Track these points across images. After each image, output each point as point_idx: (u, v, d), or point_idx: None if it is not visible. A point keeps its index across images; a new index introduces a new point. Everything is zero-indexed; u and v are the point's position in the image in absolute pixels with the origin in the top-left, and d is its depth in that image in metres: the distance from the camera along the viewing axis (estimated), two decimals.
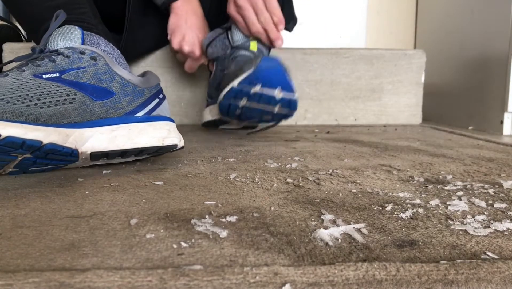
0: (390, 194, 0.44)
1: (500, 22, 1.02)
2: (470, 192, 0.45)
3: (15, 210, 0.37)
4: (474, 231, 0.33)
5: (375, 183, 0.48)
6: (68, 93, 0.50)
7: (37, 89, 0.48)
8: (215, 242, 0.30)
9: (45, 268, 0.26)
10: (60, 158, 0.49)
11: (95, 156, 0.51)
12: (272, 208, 0.39)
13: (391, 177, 0.51)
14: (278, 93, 0.66)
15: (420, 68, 1.19)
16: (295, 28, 0.99)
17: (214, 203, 0.40)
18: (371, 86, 1.18)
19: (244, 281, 0.25)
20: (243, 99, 0.67)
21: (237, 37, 0.79)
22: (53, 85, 0.49)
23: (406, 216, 0.37)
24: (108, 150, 0.51)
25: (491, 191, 0.45)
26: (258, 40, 0.79)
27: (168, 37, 0.86)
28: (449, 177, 0.52)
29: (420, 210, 0.38)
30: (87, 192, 0.43)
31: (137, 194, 0.43)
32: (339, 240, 0.31)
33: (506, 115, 1.01)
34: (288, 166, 0.57)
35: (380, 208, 0.39)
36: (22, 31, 1.23)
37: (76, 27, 0.56)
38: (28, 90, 0.47)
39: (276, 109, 0.68)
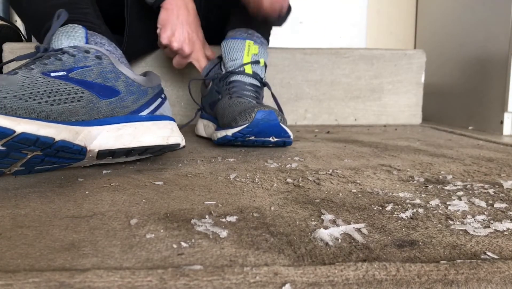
0: (390, 194, 0.44)
1: (500, 22, 1.02)
2: (470, 192, 0.45)
3: (15, 210, 0.37)
4: (474, 231, 0.33)
5: (375, 183, 0.48)
6: (76, 91, 0.50)
7: (47, 87, 0.48)
8: (215, 242, 0.30)
9: (45, 268, 0.26)
10: (68, 156, 0.49)
11: (102, 154, 0.51)
12: (272, 208, 0.39)
13: (391, 177, 0.51)
14: (272, 139, 0.69)
15: (420, 68, 1.19)
16: (295, 28, 0.99)
17: (214, 203, 0.40)
18: (371, 86, 1.18)
19: (244, 281, 0.25)
20: (238, 142, 0.70)
21: (229, 64, 0.79)
22: (61, 83, 0.49)
23: (406, 216, 0.37)
24: (115, 148, 0.52)
25: (491, 191, 0.45)
26: (252, 62, 0.78)
27: (158, 31, 0.85)
28: (449, 177, 0.52)
29: (420, 210, 0.38)
30: (87, 192, 0.43)
31: (137, 194, 0.43)
32: (339, 240, 0.31)
33: (506, 115, 1.01)
34: (288, 166, 0.57)
35: (380, 208, 0.39)
36: (22, 31, 1.23)
37: (80, 26, 0.56)
38: (39, 88, 0.47)
39: (272, 144, 0.72)
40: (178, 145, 0.57)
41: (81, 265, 0.26)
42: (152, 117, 0.56)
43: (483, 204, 0.40)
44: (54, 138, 0.45)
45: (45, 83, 0.48)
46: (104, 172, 0.52)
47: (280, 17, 0.78)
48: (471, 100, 1.14)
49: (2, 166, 0.47)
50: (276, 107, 0.83)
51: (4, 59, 1.05)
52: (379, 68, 1.18)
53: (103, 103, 0.52)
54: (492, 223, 0.35)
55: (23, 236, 0.31)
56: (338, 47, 1.21)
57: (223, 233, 0.32)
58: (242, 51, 0.77)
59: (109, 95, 0.53)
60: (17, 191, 0.44)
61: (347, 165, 0.59)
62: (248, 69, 0.77)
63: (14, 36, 1.15)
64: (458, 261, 0.27)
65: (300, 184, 0.48)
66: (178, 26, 0.82)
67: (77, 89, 0.50)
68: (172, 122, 0.58)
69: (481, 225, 0.35)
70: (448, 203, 0.41)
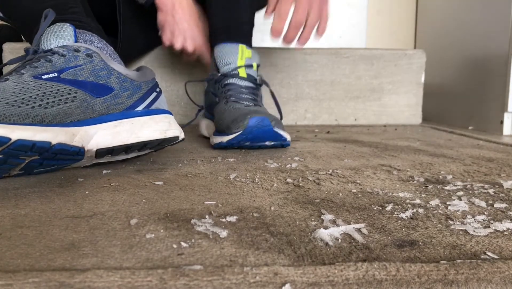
0: (390, 194, 0.44)
1: (500, 22, 1.02)
2: (470, 192, 0.45)
3: (15, 210, 0.37)
4: (474, 231, 0.33)
5: (375, 183, 0.48)
6: (69, 92, 0.50)
7: (39, 90, 0.48)
8: (215, 242, 0.30)
9: (45, 268, 0.26)
10: (67, 158, 0.49)
11: (100, 152, 0.51)
12: (272, 208, 0.39)
13: (391, 177, 0.51)
14: (268, 143, 0.70)
15: (420, 68, 1.19)
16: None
17: (214, 203, 0.40)
18: (371, 86, 1.18)
19: (244, 281, 0.25)
20: (234, 147, 0.70)
21: (224, 68, 0.78)
22: (53, 85, 0.49)
23: (406, 216, 0.37)
24: (113, 146, 0.52)
25: (491, 191, 0.45)
26: (246, 66, 0.77)
27: (159, 34, 0.85)
28: (449, 177, 0.52)
29: (420, 210, 0.38)
30: (87, 192, 0.43)
31: (137, 194, 0.43)
32: (339, 240, 0.31)
33: (506, 115, 1.01)
34: (288, 166, 0.57)
35: (380, 208, 0.39)
36: None
37: (68, 24, 0.55)
38: (31, 92, 0.47)
39: (270, 147, 0.72)
40: (177, 137, 0.57)
41: (81, 265, 0.26)
42: (148, 111, 0.56)
43: (483, 204, 0.40)
44: (50, 142, 0.45)
45: (37, 87, 0.48)
46: (104, 172, 0.52)
47: None
48: (471, 100, 1.14)
49: (1, 172, 0.47)
50: (275, 107, 0.84)
51: (4, 59, 1.05)
52: (379, 68, 1.18)
53: (97, 102, 0.52)
54: (492, 223, 0.35)
55: (23, 236, 0.31)
56: (338, 47, 1.21)
57: (223, 233, 0.32)
58: (236, 54, 0.77)
59: (103, 93, 0.53)
60: (17, 191, 0.44)
61: (347, 165, 0.59)
62: (242, 72, 0.77)
63: (14, 36, 1.15)
64: (458, 261, 0.27)
65: (300, 184, 0.48)
66: (176, 25, 0.82)
67: (70, 89, 0.50)
68: (169, 115, 0.58)
69: (481, 225, 0.35)
70: (448, 203, 0.41)
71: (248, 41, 0.82)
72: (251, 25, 0.85)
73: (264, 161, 0.61)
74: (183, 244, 0.30)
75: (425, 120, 1.26)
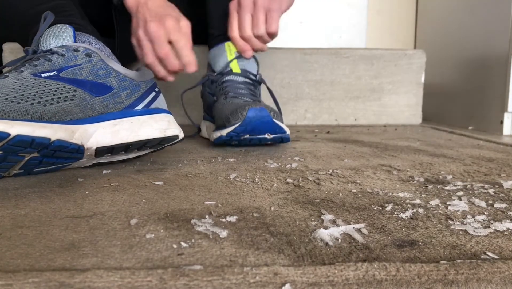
0: (390, 194, 0.44)
1: (500, 22, 1.02)
2: (470, 192, 0.45)
3: (15, 210, 0.37)
4: (474, 231, 0.33)
5: (375, 183, 0.48)
6: (68, 90, 0.50)
7: (38, 88, 0.48)
8: (215, 242, 0.30)
9: (45, 268, 0.26)
10: (66, 156, 0.49)
11: (100, 151, 0.51)
12: (272, 208, 0.39)
13: (391, 177, 0.51)
14: (268, 136, 0.69)
15: (420, 68, 1.19)
16: (295, 27, 0.98)
17: (214, 203, 0.40)
18: (371, 86, 1.18)
19: (244, 281, 0.25)
20: (234, 141, 0.70)
21: (217, 68, 0.79)
22: (52, 83, 0.49)
23: (406, 216, 0.37)
24: (113, 144, 0.52)
25: (491, 191, 0.45)
26: (238, 58, 0.78)
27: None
28: (449, 177, 0.52)
29: (420, 210, 0.38)
30: (87, 192, 0.43)
31: (137, 194, 0.43)
32: (339, 240, 0.31)
33: (506, 115, 1.01)
34: (288, 166, 0.57)
35: (380, 208, 0.39)
36: None
37: (67, 25, 0.56)
38: (30, 89, 0.47)
39: (270, 141, 0.72)
40: (177, 136, 0.57)
41: (81, 265, 0.26)
42: (147, 111, 0.56)
43: (483, 204, 0.40)
44: (50, 139, 0.45)
45: (36, 84, 0.48)
46: (104, 172, 0.52)
47: None
48: (471, 100, 1.14)
49: (0, 170, 0.47)
50: (274, 105, 0.84)
51: (4, 59, 1.05)
52: (379, 68, 1.18)
53: (96, 101, 0.52)
54: (492, 223, 0.35)
55: (23, 236, 0.31)
56: (338, 47, 1.21)
57: (223, 233, 0.32)
58: (224, 52, 0.78)
59: (102, 92, 0.53)
60: (17, 191, 0.44)
61: (347, 165, 0.59)
62: (235, 67, 0.77)
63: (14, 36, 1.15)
64: (458, 261, 0.27)
65: (300, 184, 0.48)
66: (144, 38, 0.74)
67: (69, 88, 0.50)
68: (168, 114, 0.58)
69: (481, 225, 0.35)
70: (448, 203, 0.41)
71: None
72: None
73: (264, 161, 0.61)
74: (183, 244, 0.30)
75: (425, 120, 1.26)
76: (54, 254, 0.28)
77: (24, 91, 0.46)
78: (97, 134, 0.51)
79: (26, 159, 0.46)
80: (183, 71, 0.73)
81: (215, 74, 0.79)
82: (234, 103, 0.70)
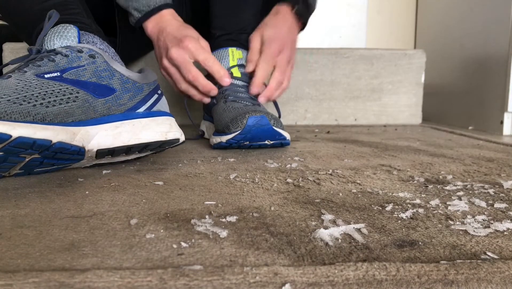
0: (390, 194, 0.44)
1: (500, 22, 1.02)
2: (470, 192, 0.45)
3: (15, 210, 0.37)
4: (474, 231, 0.33)
5: (375, 183, 0.48)
6: (71, 92, 0.50)
7: (41, 89, 0.48)
8: (215, 242, 0.30)
9: (45, 268, 0.26)
10: (67, 157, 0.49)
11: (101, 153, 0.51)
12: (272, 208, 0.39)
13: (391, 177, 0.51)
14: (268, 142, 0.70)
15: (420, 68, 1.19)
16: None
17: (214, 203, 0.40)
18: (371, 86, 1.18)
19: (244, 281, 0.25)
20: (233, 147, 0.70)
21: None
22: (55, 84, 0.49)
23: (406, 216, 0.37)
24: (114, 147, 0.52)
25: (491, 191, 0.45)
26: (239, 65, 0.78)
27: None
28: (449, 177, 0.52)
29: (420, 210, 0.38)
30: (87, 192, 0.43)
31: (137, 194, 0.43)
32: (339, 240, 0.31)
33: (506, 115, 1.01)
34: (288, 166, 0.57)
35: (380, 208, 0.39)
36: None
37: (72, 25, 0.55)
38: (33, 90, 0.47)
39: (269, 146, 0.72)
40: (178, 140, 0.57)
41: (81, 265, 0.26)
42: (149, 113, 0.56)
43: (483, 204, 0.40)
44: (51, 141, 0.45)
45: (39, 85, 0.48)
46: (104, 172, 0.52)
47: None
48: (471, 100, 1.14)
49: (1, 170, 0.47)
50: (273, 106, 0.84)
51: (4, 60, 1.05)
52: (379, 68, 1.18)
53: (99, 102, 0.52)
54: (492, 223, 0.35)
55: (23, 236, 0.31)
56: (338, 47, 1.21)
57: (223, 233, 0.32)
58: (227, 57, 0.78)
59: (105, 94, 0.53)
60: (17, 191, 0.44)
61: (347, 165, 0.59)
62: (236, 72, 0.77)
63: (14, 36, 1.15)
64: (458, 261, 0.27)
65: (300, 184, 0.48)
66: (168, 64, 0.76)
67: (72, 89, 0.50)
68: (170, 117, 0.58)
69: (481, 225, 0.35)
70: (448, 203, 0.41)
71: (243, 47, 0.82)
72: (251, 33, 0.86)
73: (264, 161, 0.61)
74: (183, 244, 0.30)
75: (425, 120, 1.26)
76: (54, 254, 0.28)
77: (27, 92, 0.46)
78: (99, 137, 0.51)
79: (27, 159, 0.46)
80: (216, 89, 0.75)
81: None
82: (234, 108, 0.70)
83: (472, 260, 0.28)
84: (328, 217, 0.36)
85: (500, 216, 0.37)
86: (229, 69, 0.77)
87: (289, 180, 0.49)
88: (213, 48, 0.81)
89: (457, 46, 1.21)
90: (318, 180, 0.50)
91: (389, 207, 0.39)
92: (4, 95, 0.45)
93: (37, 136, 0.44)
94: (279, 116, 0.79)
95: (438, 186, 0.47)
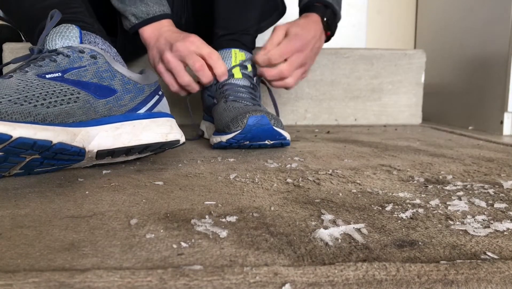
0: (390, 194, 0.44)
1: (500, 22, 1.02)
2: (470, 192, 0.45)
3: (15, 210, 0.37)
4: (474, 231, 0.33)
5: (375, 183, 0.48)
6: (72, 92, 0.50)
7: (42, 89, 0.48)
8: (215, 242, 0.30)
9: (45, 268, 0.26)
10: (67, 158, 0.49)
11: (101, 154, 0.51)
12: (272, 208, 0.39)
13: (391, 177, 0.51)
14: (268, 142, 0.70)
15: (420, 68, 1.19)
16: None
17: (214, 203, 0.40)
18: (371, 86, 1.18)
19: (244, 281, 0.25)
20: (233, 147, 0.70)
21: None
22: (56, 85, 0.49)
23: (406, 216, 0.37)
24: (114, 148, 0.52)
25: (491, 191, 0.45)
26: (241, 66, 0.78)
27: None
28: (449, 177, 0.52)
29: (420, 210, 0.38)
30: (87, 192, 0.43)
31: (137, 194, 0.43)
32: (339, 240, 0.31)
33: (506, 115, 1.01)
34: (288, 166, 0.57)
35: (380, 208, 0.39)
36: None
37: (74, 25, 0.55)
38: (34, 91, 0.47)
39: (269, 146, 0.72)
40: (178, 141, 0.57)
41: (81, 265, 0.26)
42: (150, 114, 0.56)
43: (483, 204, 0.40)
44: (51, 142, 0.45)
45: (41, 86, 0.48)
46: (104, 172, 0.52)
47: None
48: (471, 100, 1.14)
49: (1, 170, 0.47)
50: (273, 106, 0.84)
51: (4, 60, 1.05)
52: (379, 68, 1.18)
53: (100, 103, 0.52)
54: (492, 223, 0.35)
55: (23, 236, 0.31)
56: (338, 47, 1.21)
57: (223, 233, 0.32)
58: (229, 58, 0.78)
59: (106, 95, 0.53)
60: (17, 191, 0.44)
61: (347, 165, 0.59)
62: (238, 73, 0.77)
63: (14, 36, 1.15)
64: (458, 261, 0.27)
65: (300, 184, 0.48)
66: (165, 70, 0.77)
67: (73, 90, 0.50)
68: (170, 119, 0.58)
69: (481, 225, 0.35)
70: (448, 203, 0.41)
71: (247, 49, 0.82)
72: (255, 35, 0.86)
73: (264, 161, 0.61)
74: (183, 244, 0.30)
75: (425, 120, 1.26)
76: (54, 254, 0.28)
77: (28, 92, 0.46)
78: (99, 138, 0.51)
79: (27, 160, 0.46)
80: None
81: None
82: (235, 107, 0.70)
83: (472, 260, 0.28)
84: (328, 217, 0.36)
85: (500, 216, 0.37)
86: (231, 69, 0.77)
87: (289, 180, 0.49)
88: (216, 48, 0.81)
89: (457, 46, 1.21)
90: (318, 180, 0.50)
91: (389, 207, 0.39)
92: (5, 95, 0.45)
93: (37, 137, 0.44)
94: (277, 115, 0.79)
95: (438, 186, 0.47)
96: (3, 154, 0.43)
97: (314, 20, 0.82)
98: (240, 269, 0.26)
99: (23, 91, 0.46)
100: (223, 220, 0.35)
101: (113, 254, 0.28)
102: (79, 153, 0.49)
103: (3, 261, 0.27)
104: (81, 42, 0.55)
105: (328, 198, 0.42)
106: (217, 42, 0.82)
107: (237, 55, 0.79)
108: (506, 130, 1.01)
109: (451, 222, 0.35)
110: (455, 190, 0.46)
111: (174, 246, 0.29)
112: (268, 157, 0.64)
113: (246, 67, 0.79)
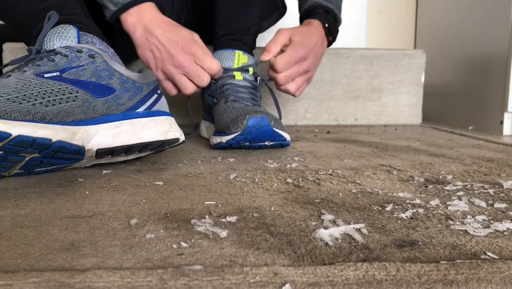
0: (390, 194, 0.44)
1: (500, 22, 1.02)
2: (470, 192, 0.45)
3: (15, 210, 0.37)
4: (474, 231, 0.33)
5: (375, 183, 0.48)
6: (71, 91, 0.50)
7: (41, 88, 0.48)
8: (215, 242, 0.30)
9: (45, 268, 0.26)
10: (67, 156, 0.49)
11: (101, 152, 0.51)
12: (272, 208, 0.39)
13: (391, 177, 0.51)
14: (268, 143, 0.70)
15: (420, 68, 1.19)
16: None
17: (214, 203, 0.40)
18: (371, 86, 1.18)
19: (244, 281, 0.25)
20: (233, 147, 0.71)
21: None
22: (55, 84, 0.49)
23: (406, 216, 0.37)
24: (114, 146, 0.52)
25: (491, 191, 0.45)
26: (243, 70, 0.78)
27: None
28: (449, 177, 0.52)
29: (420, 210, 0.38)
30: (87, 192, 0.43)
31: (137, 194, 0.43)
32: (339, 240, 0.31)
33: (506, 115, 1.01)
34: (288, 166, 0.57)
35: (380, 208, 0.39)
36: None
37: (71, 26, 0.56)
38: (32, 90, 0.47)
39: (269, 147, 0.72)
40: (177, 139, 0.57)
41: (81, 265, 0.26)
42: (149, 113, 0.56)
43: (483, 204, 0.40)
44: (51, 140, 0.45)
45: (39, 85, 0.48)
46: (104, 172, 0.52)
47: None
48: (471, 100, 1.14)
49: (1, 170, 0.47)
50: (274, 107, 0.84)
51: (4, 60, 1.05)
52: (379, 68, 1.18)
53: (98, 102, 0.52)
54: (492, 223, 0.35)
55: (23, 236, 0.31)
56: (338, 47, 1.21)
57: (223, 233, 0.32)
58: (232, 60, 0.78)
59: (104, 94, 0.53)
60: (17, 191, 0.44)
61: (347, 165, 0.59)
62: (238, 75, 0.77)
63: (15, 36, 1.15)
64: (458, 261, 0.27)
65: (300, 184, 0.48)
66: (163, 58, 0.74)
67: (72, 89, 0.50)
68: (169, 117, 0.58)
69: (481, 225, 0.35)
70: (448, 203, 0.41)
71: (248, 49, 0.82)
72: (255, 35, 0.86)
73: (264, 161, 0.61)
74: (183, 244, 0.30)
75: (425, 120, 1.26)
76: (54, 254, 0.28)
77: (27, 91, 0.46)
78: (98, 136, 0.51)
79: (27, 159, 0.46)
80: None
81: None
82: (235, 108, 0.70)
83: (472, 260, 0.28)
84: (328, 217, 0.36)
85: (500, 216, 0.37)
86: (231, 71, 0.77)
87: (289, 180, 0.49)
88: (217, 47, 0.81)
89: (457, 46, 1.21)
90: (318, 180, 0.50)
91: (389, 207, 0.39)
92: (3, 94, 0.45)
93: (36, 135, 0.44)
94: (280, 117, 0.79)
95: (438, 186, 0.47)
96: (2, 152, 0.43)
97: (316, 27, 0.82)
98: (240, 269, 0.26)
99: (22, 90, 0.46)
100: (223, 220, 0.35)
101: (113, 254, 0.28)
102: (78, 151, 0.49)
103: (3, 261, 0.27)
104: (79, 42, 0.55)
105: (328, 198, 0.42)
106: (218, 41, 0.82)
107: (240, 58, 0.79)
108: (506, 130, 1.01)
109: (451, 222, 0.35)
110: (455, 190, 0.46)
111: (174, 246, 0.29)
112: (268, 157, 0.64)
113: (247, 71, 0.79)
